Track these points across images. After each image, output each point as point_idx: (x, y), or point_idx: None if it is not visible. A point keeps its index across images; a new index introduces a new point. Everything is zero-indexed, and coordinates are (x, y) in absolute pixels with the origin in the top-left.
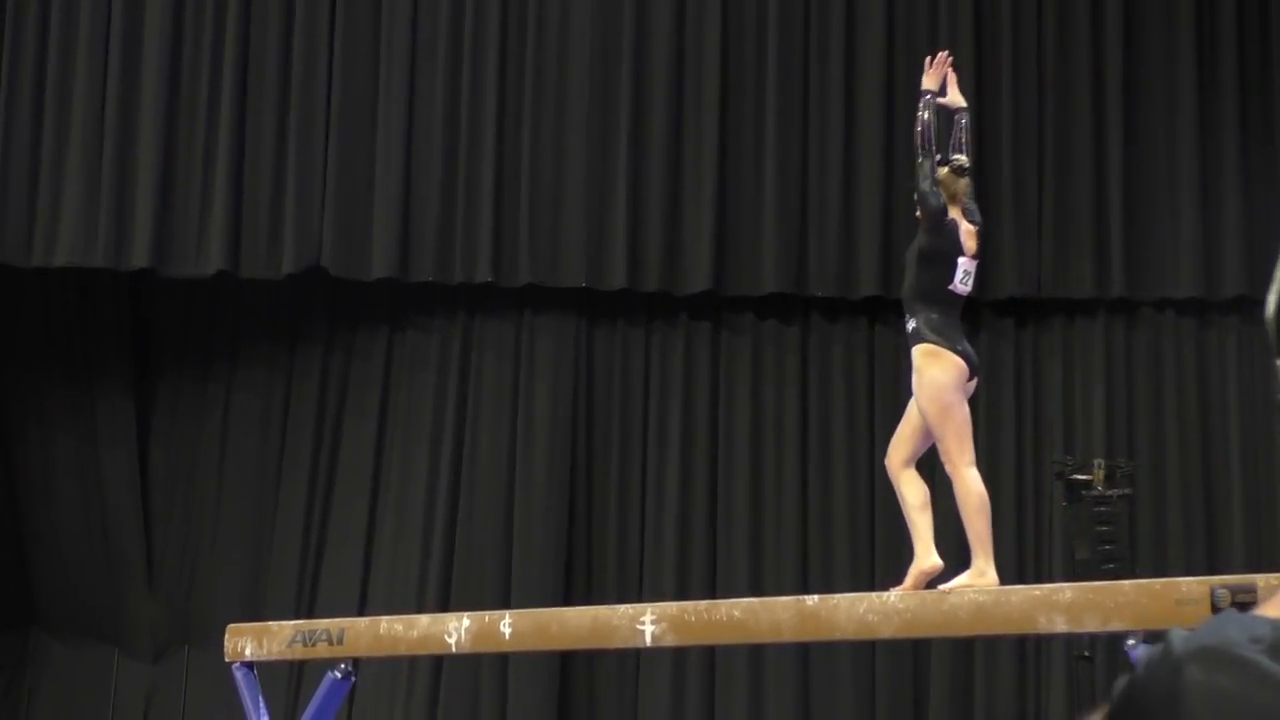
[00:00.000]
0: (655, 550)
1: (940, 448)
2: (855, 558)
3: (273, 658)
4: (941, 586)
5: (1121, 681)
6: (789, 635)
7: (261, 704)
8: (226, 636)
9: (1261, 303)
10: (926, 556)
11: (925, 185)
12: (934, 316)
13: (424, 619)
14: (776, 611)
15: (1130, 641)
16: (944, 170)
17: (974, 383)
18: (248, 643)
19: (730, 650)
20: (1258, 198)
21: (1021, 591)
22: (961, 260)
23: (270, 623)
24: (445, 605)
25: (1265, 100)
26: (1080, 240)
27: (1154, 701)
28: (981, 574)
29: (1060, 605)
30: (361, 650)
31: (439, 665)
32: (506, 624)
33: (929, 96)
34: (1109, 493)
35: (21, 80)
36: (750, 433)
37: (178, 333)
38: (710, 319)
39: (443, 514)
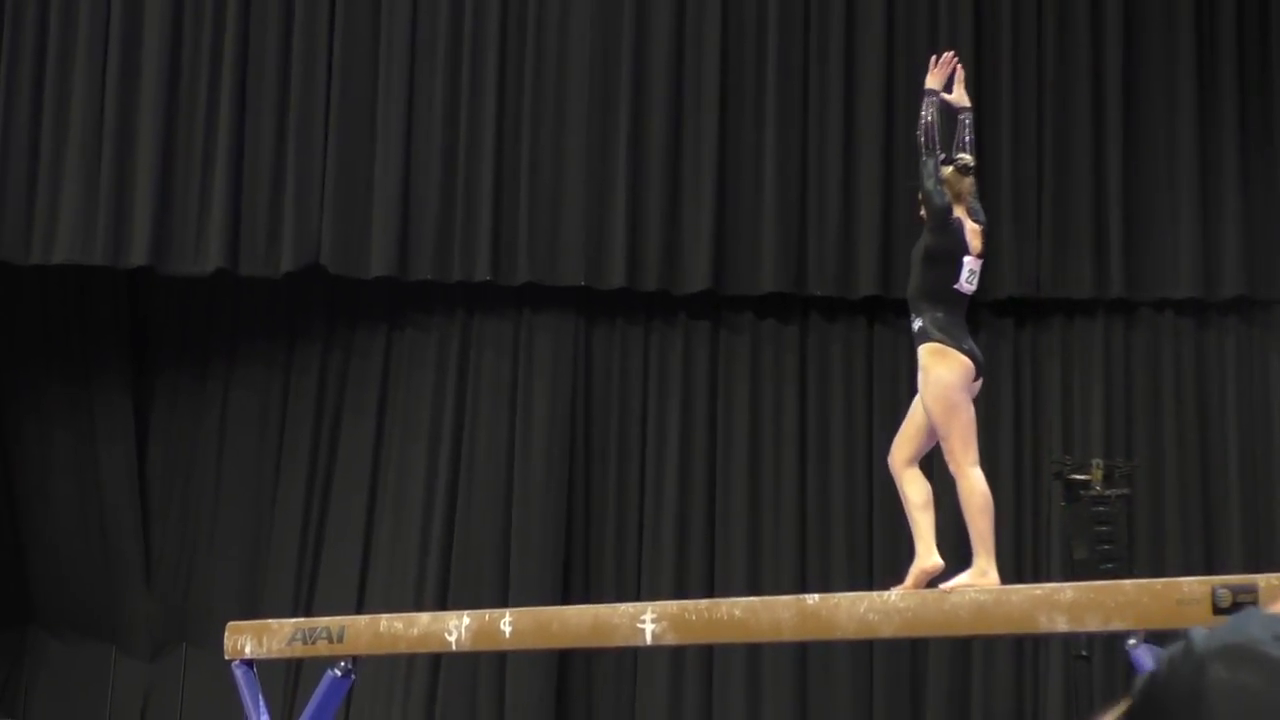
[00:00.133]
0: (653, 548)
1: (945, 447)
2: (853, 556)
3: (272, 655)
4: (942, 586)
5: (1142, 679)
6: (790, 634)
7: (261, 702)
8: (226, 634)
9: (1260, 303)
10: (928, 556)
11: (930, 184)
12: (940, 315)
13: (424, 617)
14: (777, 610)
15: (1131, 641)
16: (948, 169)
17: (979, 382)
18: (247, 640)
19: (728, 649)
20: (1257, 198)
21: (1023, 591)
22: (967, 259)
23: (270, 620)
24: (443, 603)
25: (1264, 101)
26: (1079, 240)
27: (1176, 699)
28: (983, 574)
29: (1061, 605)
30: (361, 648)
31: (437, 663)
32: (507, 622)
33: (932, 96)
34: (1107, 493)
35: (21, 77)
36: (749, 432)
37: (176, 330)
38: (709, 318)
39: (441, 512)
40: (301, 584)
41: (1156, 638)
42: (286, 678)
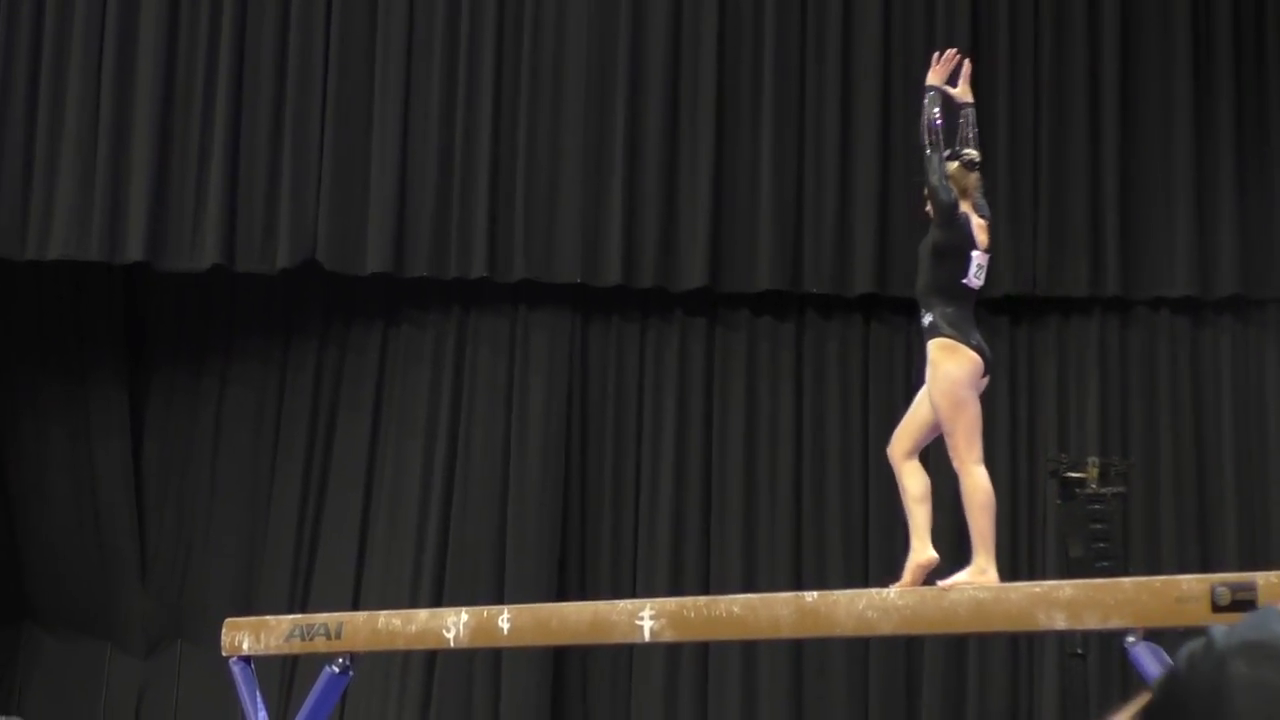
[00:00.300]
0: (649, 546)
1: (949, 443)
2: (849, 554)
3: (270, 652)
4: (941, 583)
5: (1162, 675)
6: (788, 631)
7: (259, 698)
8: (224, 631)
9: (1255, 302)
10: (923, 549)
11: (935, 180)
12: (950, 310)
13: (422, 614)
14: (776, 608)
15: (1129, 639)
16: (954, 165)
17: (986, 379)
18: (245, 637)
19: (724, 646)
20: (1252, 198)
21: (1021, 589)
22: (974, 254)
23: (267, 617)
24: (439, 600)
25: (1260, 101)
26: (1075, 239)
27: (1196, 696)
28: (982, 571)
29: (1060, 602)
30: (359, 645)
31: (432, 661)
32: (505, 619)
33: (933, 92)
34: (1103, 491)
35: (16, 72)
36: (745, 429)
37: (172, 326)
38: (705, 315)
39: (437, 509)
40: (297, 581)
41: (1155, 636)
42: (282, 675)
